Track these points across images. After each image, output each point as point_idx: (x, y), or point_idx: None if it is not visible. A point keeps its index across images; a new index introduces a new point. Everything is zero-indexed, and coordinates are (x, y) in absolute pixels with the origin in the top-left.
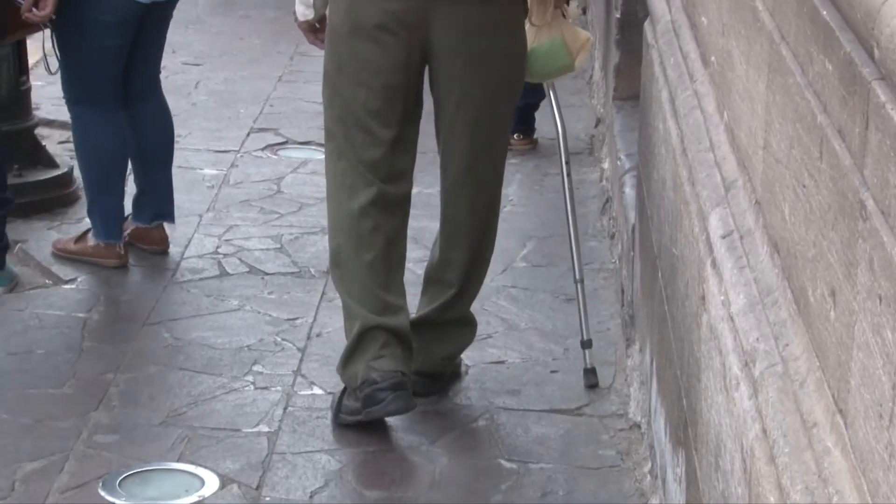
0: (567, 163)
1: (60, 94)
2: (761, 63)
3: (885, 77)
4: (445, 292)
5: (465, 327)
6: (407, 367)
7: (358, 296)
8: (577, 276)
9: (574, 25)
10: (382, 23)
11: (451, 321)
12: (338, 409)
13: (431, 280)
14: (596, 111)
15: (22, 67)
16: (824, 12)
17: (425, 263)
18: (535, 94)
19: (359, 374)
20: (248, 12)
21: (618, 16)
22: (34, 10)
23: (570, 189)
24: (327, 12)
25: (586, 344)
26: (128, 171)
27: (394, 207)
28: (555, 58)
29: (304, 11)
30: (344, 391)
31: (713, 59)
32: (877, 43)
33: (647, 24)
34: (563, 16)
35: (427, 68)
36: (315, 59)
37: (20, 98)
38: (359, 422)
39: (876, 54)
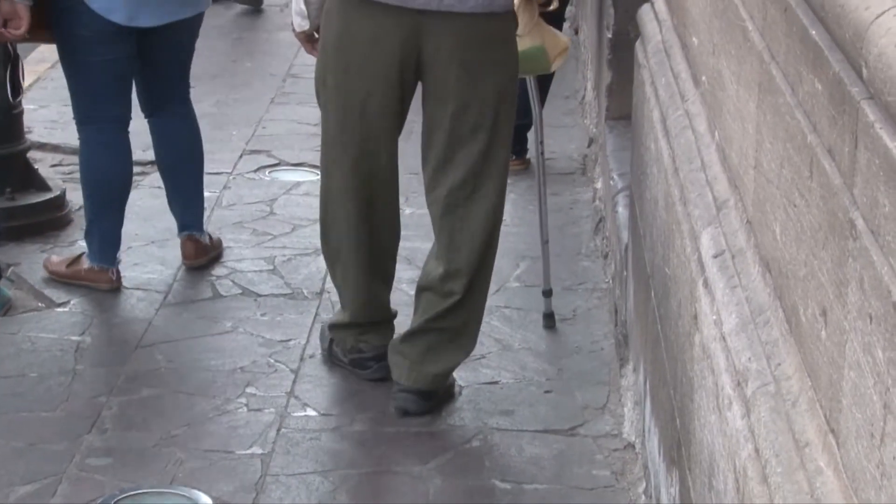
0: (541, 142)
1: (53, 117)
2: (752, 83)
3: (873, 96)
4: (445, 301)
5: (459, 343)
6: (387, 341)
7: (351, 291)
8: (544, 238)
9: (554, 31)
10: (376, 37)
11: (446, 332)
12: (329, 352)
13: (427, 289)
14: (588, 131)
15: (15, 91)
16: (813, 32)
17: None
18: (527, 115)
19: (348, 340)
20: (240, 35)
21: (609, 36)
22: (8, 28)
23: (543, 165)
24: (320, 28)
25: (547, 293)
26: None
27: (383, 209)
28: (535, 61)
29: (300, 22)
30: (332, 341)
31: (704, 78)
32: (865, 63)
33: (638, 45)
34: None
35: (421, 82)
36: (307, 81)
37: (13, 121)
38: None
39: (864, 74)
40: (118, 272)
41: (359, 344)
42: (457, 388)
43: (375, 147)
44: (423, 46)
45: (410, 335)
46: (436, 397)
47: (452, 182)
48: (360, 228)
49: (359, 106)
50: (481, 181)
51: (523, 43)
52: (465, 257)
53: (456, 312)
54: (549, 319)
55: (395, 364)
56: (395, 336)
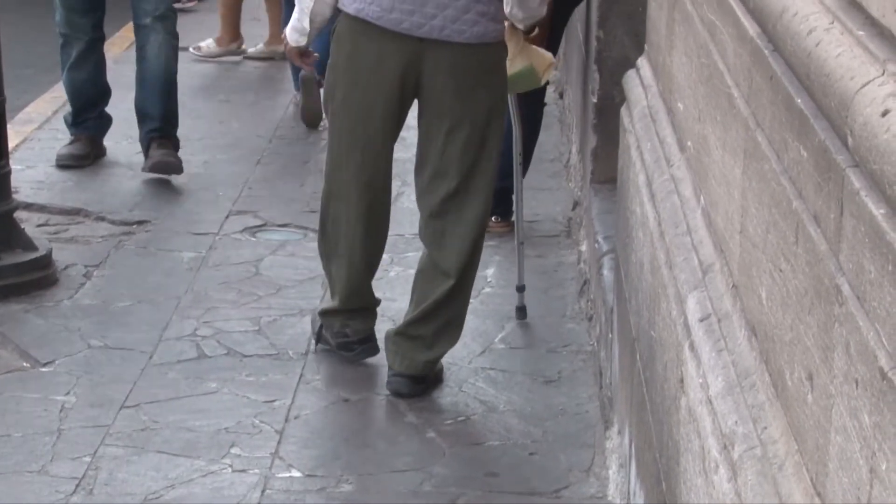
0: (521, 153)
1: (40, 177)
2: (737, 149)
3: (858, 164)
4: (440, 288)
5: (451, 331)
6: (372, 325)
7: (343, 282)
8: (519, 240)
9: (539, 51)
10: (381, 60)
11: (436, 324)
12: (318, 336)
13: (420, 281)
14: (573, 194)
15: (2, 151)
16: (799, 100)
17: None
18: (509, 178)
19: (335, 325)
20: (228, 97)
21: (594, 101)
22: None
23: (519, 171)
24: (331, 49)
25: (520, 288)
26: None
27: (378, 209)
28: (527, 79)
29: (297, 38)
30: (321, 326)
31: (690, 144)
32: (850, 131)
33: (623, 109)
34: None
35: (417, 100)
36: (293, 143)
37: (0, 182)
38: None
39: (850, 142)
40: None
41: (344, 329)
42: (445, 371)
43: (375, 153)
44: (423, 69)
45: (405, 327)
46: (426, 382)
47: (446, 191)
48: (357, 226)
49: (363, 117)
50: (470, 192)
51: (514, 65)
52: (453, 259)
53: (446, 306)
54: (521, 312)
55: (389, 352)
56: (390, 327)
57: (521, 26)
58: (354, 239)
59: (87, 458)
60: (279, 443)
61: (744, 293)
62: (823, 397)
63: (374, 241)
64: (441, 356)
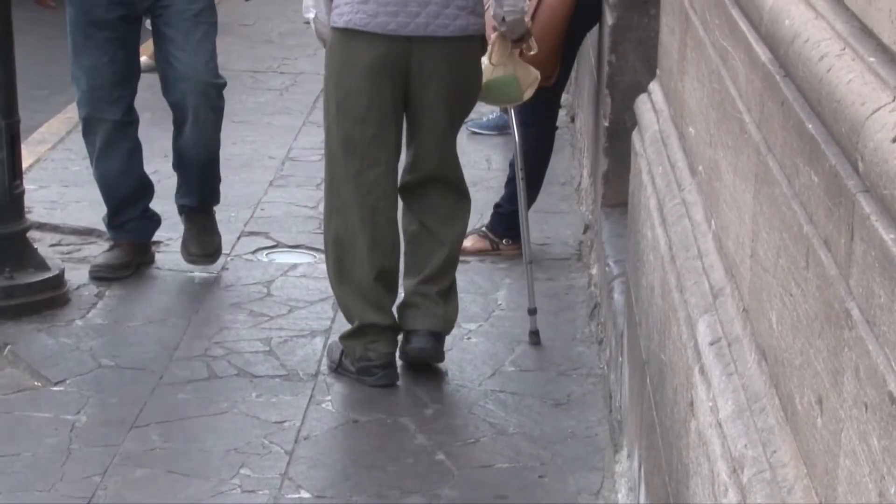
0: (522, 169)
1: (53, 197)
2: (748, 174)
3: (869, 189)
4: (439, 251)
5: (452, 296)
6: (394, 350)
7: (357, 300)
8: (527, 259)
9: (527, 66)
10: (373, 63)
11: (445, 286)
12: (338, 364)
13: (417, 243)
14: (584, 217)
15: (16, 171)
16: (810, 125)
17: None
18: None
19: (357, 350)
20: (244, 118)
21: (606, 124)
22: None
23: (524, 193)
24: (325, 66)
25: (532, 311)
26: None
27: (385, 215)
28: (508, 89)
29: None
30: (342, 353)
31: (701, 168)
32: (861, 156)
33: (635, 134)
34: (521, 54)
35: (406, 98)
36: (305, 164)
37: (14, 201)
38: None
39: (860, 167)
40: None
41: (367, 352)
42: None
43: (374, 159)
44: (410, 67)
45: (417, 286)
46: (442, 343)
47: (426, 170)
48: (362, 235)
49: (358, 123)
50: (446, 170)
51: (496, 72)
52: (448, 229)
53: (445, 272)
54: (535, 336)
55: (406, 316)
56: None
57: (508, 25)
58: (361, 248)
59: (97, 478)
60: (289, 463)
61: (754, 317)
62: (833, 421)
63: (383, 249)
64: (453, 321)
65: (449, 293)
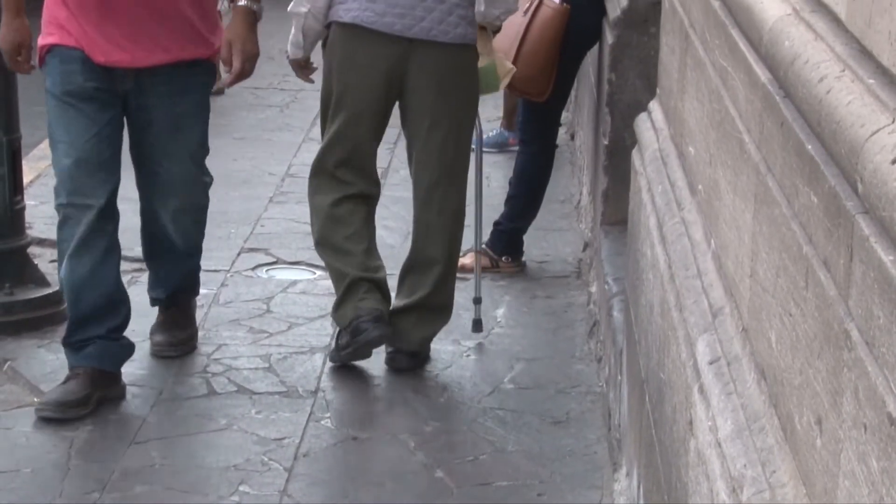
0: (480, 149)
1: (53, 213)
2: (748, 193)
3: (868, 211)
4: (431, 274)
5: (443, 311)
6: (385, 307)
7: (343, 260)
8: (477, 247)
9: (502, 57)
10: (370, 63)
11: (436, 306)
12: (335, 348)
13: (411, 270)
14: (584, 235)
15: (17, 187)
16: (810, 146)
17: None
18: (522, 219)
19: (347, 314)
20: (243, 134)
21: (606, 143)
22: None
23: (480, 172)
24: (323, 60)
25: (477, 300)
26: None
27: (369, 200)
28: (488, 76)
29: (295, 51)
30: (338, 333)
31: (700, 188)
32: (860, 178)
33: (635, 152)
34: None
35: (400, 102)
36: (305, 181)
37: (14, 217)
38: (349, 358)
39: (860, 188)
40: None
41: (358, 311)
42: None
43: (363, 148)
44: (409, 69)
45: (403, 310)
46: (419, 357)
47: (429, 182)
48: (341, 206)
49: (353, 118)
50: (450, 184)
51: (480, 61)
52: (439, 247)
53: (439, 291)
54: (478, 325)
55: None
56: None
57: (497, 22)
58: (340, 216)
59: (96, 494)
60: (288, 480)
61: (753, 337)
62: (832, 442)
63: (365, 226)
64: (434, 334)
65: (440, 310)
